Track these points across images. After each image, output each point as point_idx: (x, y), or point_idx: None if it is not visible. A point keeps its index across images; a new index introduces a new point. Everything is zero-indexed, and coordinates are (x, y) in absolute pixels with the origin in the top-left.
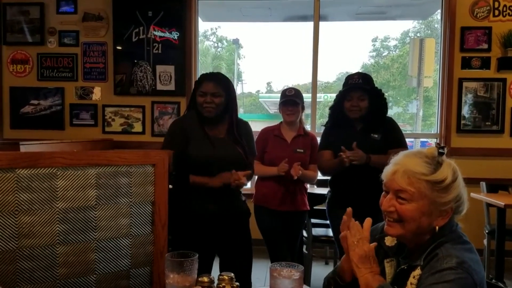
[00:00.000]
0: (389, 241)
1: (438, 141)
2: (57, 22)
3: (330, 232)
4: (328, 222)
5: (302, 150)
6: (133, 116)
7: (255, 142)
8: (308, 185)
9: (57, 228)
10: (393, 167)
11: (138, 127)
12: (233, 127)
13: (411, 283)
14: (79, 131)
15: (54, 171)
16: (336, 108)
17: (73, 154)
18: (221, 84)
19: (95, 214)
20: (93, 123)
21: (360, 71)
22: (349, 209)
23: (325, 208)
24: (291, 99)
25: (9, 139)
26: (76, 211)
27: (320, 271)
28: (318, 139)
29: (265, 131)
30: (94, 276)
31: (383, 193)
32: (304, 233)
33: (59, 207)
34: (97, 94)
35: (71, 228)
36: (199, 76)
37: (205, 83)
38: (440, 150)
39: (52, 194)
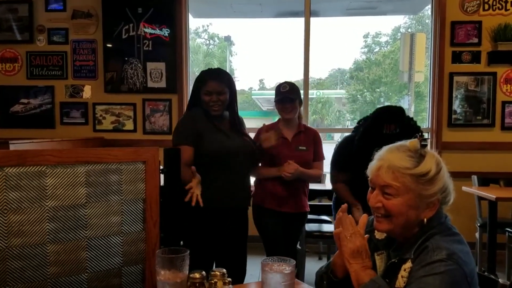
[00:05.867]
0: (378, 234)
1: (426, 135)
2: (46, 19)
3: (323, 228)
4: (322, 217)
5: (304, 148)
6: (124, 114)
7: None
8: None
9: (47, 226)
10: (377, 163)
11: (129, 125)
12: (235, 120)
13: (402, 276)
14: (70, 129)
15: (43, 169)
16: None
17: (62, 152)
18: (224, 81)
19: (86, 212)
20: (84, 121)
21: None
22: (344, 206)
23: (317, 203)
24: (286, 96)
25: None
26: (66, 209)
27: (313, 266)
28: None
29: (264, 129)
30: (86, 274)
31: (370, 189)
32: None
33: (49, 206)
34: (87, 92)
35: (61, 227)
36: (198, 73)
37: (210, 82)
38: (422, 143)
39: (41, 192)
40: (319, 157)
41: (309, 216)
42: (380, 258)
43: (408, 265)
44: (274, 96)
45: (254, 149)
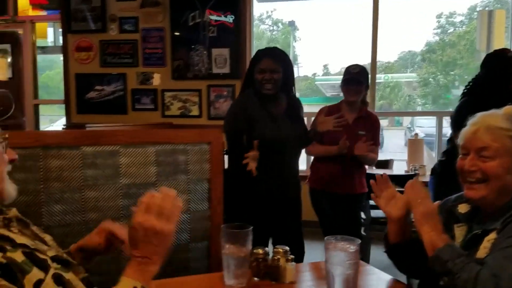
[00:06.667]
0: (462, 208)
1: None
2: (117, 9)
3: None
4: None
5: (364, 133)
6: (190, 100)
7: (312, 123)
8: (366, 166)
9: (121, 202)
10: (473, 127)
11: (195, 111)
12: (292, 103)
13: (484, 247)
14: (141, 115)
15: (116, 149)
16: None
17: (133, 133)
18: (279, 60)
19: (156, 190)
20: (154, 107)
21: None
22: (385, 175)
23: None
24: (354, 78)
25: (76, 123)
26: (138, 187)
27: (379, 254)
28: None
29: (324, 111)
30: None
31: (460, 156)
32: (362, 215)
33: (122, 183)
34: (156, 79)
35: (134, 203)
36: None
37: (264, 59)
38: None
39: (116, 170)
40: (376, 142)
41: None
42: (460, 230)
43: (492, 236)
44: (338, 82)
45: (303, 136)
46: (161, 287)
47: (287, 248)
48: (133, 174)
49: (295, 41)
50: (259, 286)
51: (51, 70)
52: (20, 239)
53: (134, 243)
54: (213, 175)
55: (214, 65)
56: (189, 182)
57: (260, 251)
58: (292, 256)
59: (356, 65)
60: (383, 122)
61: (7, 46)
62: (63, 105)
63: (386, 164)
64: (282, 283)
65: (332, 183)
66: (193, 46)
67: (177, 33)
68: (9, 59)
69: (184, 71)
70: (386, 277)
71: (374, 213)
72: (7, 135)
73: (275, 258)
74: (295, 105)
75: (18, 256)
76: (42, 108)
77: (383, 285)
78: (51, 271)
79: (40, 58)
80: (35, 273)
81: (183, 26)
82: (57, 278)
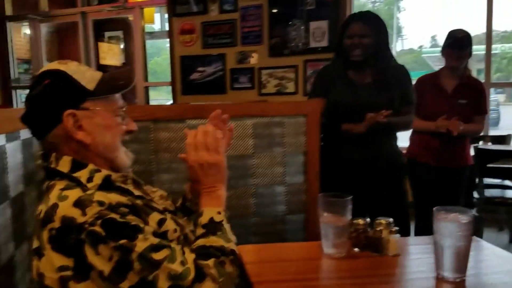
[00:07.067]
0: None
1: None
2: None
3: (506, 194)
4: (505, 183)
5: (464, 101)
6: (286, 76)
7: None
8: (480, 142)
9: None
10: None
11: (291, 87)
12: (383, 71)
13: None
14: (239, 94)
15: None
16: None
17: (232, 106)
18: (370, 24)
19: (253, 162)
20: (251, 86)
21: None
22: None
23: (500, 166)
24: (458, 42)
25: (181, 103)
26: (236, 158)
27: (493, 237)
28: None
29: (422, 80)
30: (254, 219)
31: None
32: (475, 194)
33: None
34: (254, 57)
35: (233, 174)
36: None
37: (352, 24)
38: None
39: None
40: (481, 110)
41: (490, 181)
42: None
43: None
44: None
45: (389, 107)
46: (261, 251)
47: (390, 219)
48: (232, 146)
49: (399, 12)
50: (360, 257)
51: (158, 56)
52: (136, 192)
53: (197, 179)
54: (310, 148)
55: (311, 39)
56: (285, 155)
57: (361, 221)
58: (396, 228)
59: (461, 30)
60: (500, 97)
61: (120, 33)
62: (170, 90)
63: (503, 139)
64: (384, 255)
65: (428, 154)
66: (290, 22)
67: (274, 10)
68: (121, 45)
69: (281, 48)
70: (502, 253)
71: (489, 192)
72: (125, 108)
73: (377, 229)
74: (389, 72)
75: (139, 203)
76: (152, 94)
77: (498, 260)
78: (168, 215)
79: (148, 44)
80: (157, 214)
81: (280, 1)
82: (175, 220)
